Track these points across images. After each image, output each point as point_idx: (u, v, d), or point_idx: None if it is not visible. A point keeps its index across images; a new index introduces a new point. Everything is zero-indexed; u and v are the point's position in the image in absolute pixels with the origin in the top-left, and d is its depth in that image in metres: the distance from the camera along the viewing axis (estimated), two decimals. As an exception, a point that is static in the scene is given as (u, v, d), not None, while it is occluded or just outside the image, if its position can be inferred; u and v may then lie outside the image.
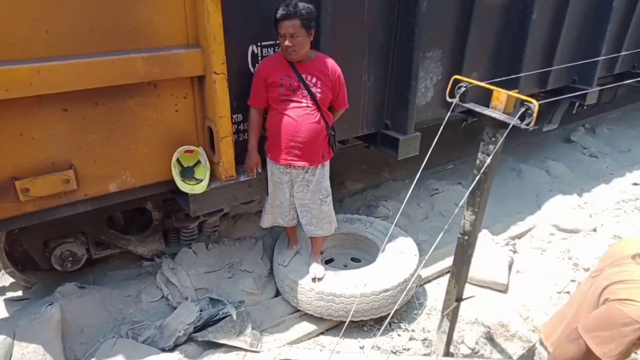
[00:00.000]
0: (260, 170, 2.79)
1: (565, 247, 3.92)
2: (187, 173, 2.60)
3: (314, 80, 2.57)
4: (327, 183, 2.87)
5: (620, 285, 1.73)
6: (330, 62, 2.61)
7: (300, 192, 2.83)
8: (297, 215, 2.98)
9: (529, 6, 3.51)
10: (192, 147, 2.58)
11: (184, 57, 2.30)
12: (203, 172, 2.59)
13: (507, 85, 3.53)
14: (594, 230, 4.14)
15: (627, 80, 4.88)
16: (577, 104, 5.14)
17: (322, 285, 2.89)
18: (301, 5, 2.41)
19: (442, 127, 2.46)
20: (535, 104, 2.05)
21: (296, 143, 2.63)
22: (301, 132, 2.60)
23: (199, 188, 2.57)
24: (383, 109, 3.29)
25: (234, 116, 2.64)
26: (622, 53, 4.52)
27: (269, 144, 2.75)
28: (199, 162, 2.62)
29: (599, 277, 1.89)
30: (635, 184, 5.10)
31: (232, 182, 2.68)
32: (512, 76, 3.44)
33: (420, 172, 2.29)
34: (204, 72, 2.37)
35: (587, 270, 3.61)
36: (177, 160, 2.55)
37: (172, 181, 2.53)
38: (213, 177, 2.66)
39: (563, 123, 5.65)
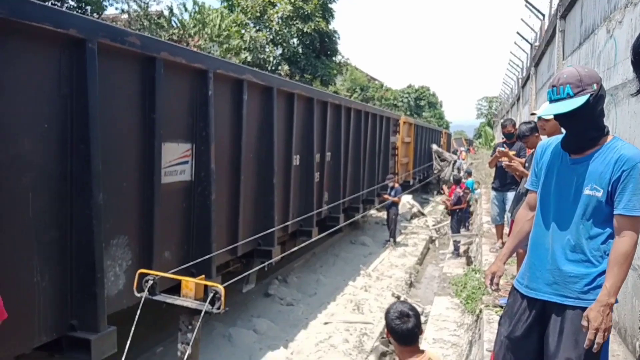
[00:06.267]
0: None
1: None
2: None
3: None
4: None
5: None
6: None
7: None
8: None
9: (206, 188, 3.88)
10: None
11: None
12: None
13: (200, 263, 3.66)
14: (304, 379, 4.41)
15: (299, 237, 5.88)
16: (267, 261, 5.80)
17: None
18: None
19: (134, 323, 2.28)
20: (221, 289, 2.14)
21: None
22: None
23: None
24: (66, 308, 2.85)
25: None
26: (290, 221, 5.46)
27: None
28: None
29: None
30: (325, 323, 5.84)
31: None
32: (202, 258, 3.59)
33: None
34: None
35: None
36: None
37: None
38: None
39: (260, 279, 6.16)
